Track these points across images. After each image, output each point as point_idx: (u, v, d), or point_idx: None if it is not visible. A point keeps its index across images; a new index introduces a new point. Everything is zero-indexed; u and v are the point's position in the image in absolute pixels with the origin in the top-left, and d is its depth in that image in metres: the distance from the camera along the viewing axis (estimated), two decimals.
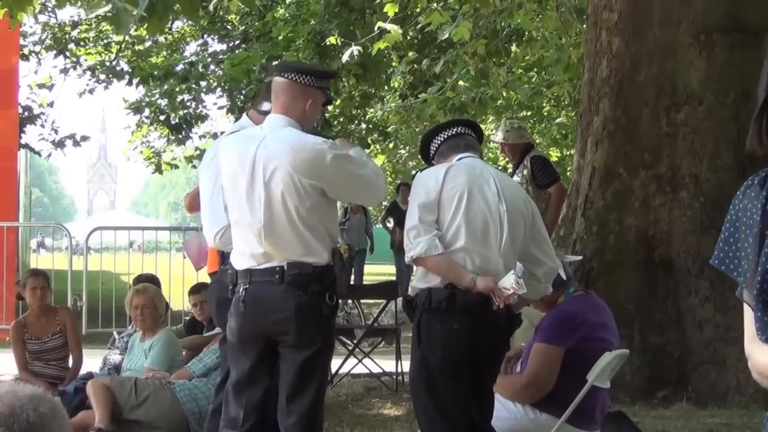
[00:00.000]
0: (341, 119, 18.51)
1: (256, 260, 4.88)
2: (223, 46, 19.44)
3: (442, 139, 5.38)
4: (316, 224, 4.86)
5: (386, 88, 17.64)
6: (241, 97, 16.58)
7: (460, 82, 14.01)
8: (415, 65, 15.12)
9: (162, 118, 18.83)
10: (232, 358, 5.08)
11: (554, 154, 22.19)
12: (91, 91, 20.04)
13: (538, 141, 20.11)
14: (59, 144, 20.13)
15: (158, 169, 20.86)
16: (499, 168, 12.50)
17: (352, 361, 9.81)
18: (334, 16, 14.96)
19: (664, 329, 8.52)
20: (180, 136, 19.20)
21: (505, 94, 16.98)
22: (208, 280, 6.63)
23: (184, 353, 8.30)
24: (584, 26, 10.69)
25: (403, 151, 24.48)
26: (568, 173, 14.35)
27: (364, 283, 17.76)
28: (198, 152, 19.63)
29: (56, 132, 20.21)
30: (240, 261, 4.96)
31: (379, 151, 23.65)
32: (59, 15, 20.69)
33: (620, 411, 6.66)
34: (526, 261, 5.27)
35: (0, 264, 13.24)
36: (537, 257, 5.27)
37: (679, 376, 8.42)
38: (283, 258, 4.83)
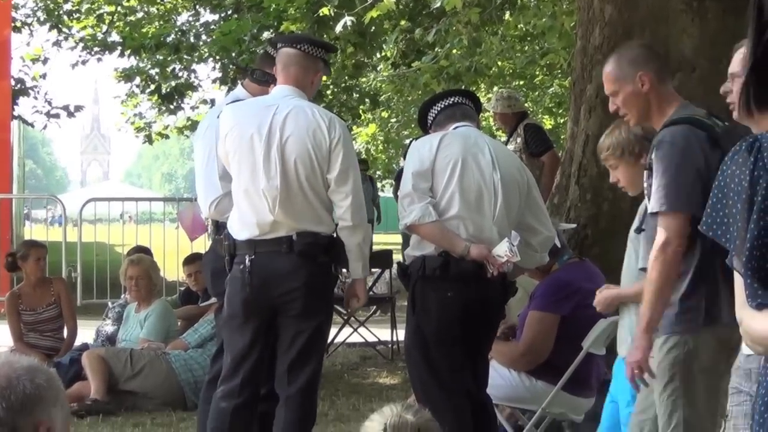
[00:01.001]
0: (334, 89, 18.41)
1: (261, 230, 4.89)
2: (215, 17, 19.29)
3: (439, 108, 5.39)
4: (324, 195, 4.92)
5: (378, 56, 17.53)
6: (233, 67, 16.48)
7: (454, 51, 13.95)
8: (408, 34, 15.05)
9: (153, 87, 18.70)
10: (230, 328, 5.06)
11: (548, 122, 22.10)
12: (84, 63, 19.93)
13: (531, 109, 20.02)
14: (53, 115, 20.05)
15: (149, 140, 20.75)
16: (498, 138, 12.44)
17: (347, 330, 9.83)
18: None
19: None
20: (171, 107, 19.08)
21: (500, 63, 16.90)
22: (202, 250, 6.63)
23: (179, 324, 8.31)
24: None
25: (394, 120, 24.32)
26: (562, 141, 14.30)
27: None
28: (190, 122, 19.52)
29: (50, 104, 20.14)
30: (241, 231, 4.96)
31: (371, 120, 23.50)
32: None
33: None
34: (523, 230, 5.28)
35: None
36: (533, 226, 5.29)
37: None
38: (291, 228, 4.87)
